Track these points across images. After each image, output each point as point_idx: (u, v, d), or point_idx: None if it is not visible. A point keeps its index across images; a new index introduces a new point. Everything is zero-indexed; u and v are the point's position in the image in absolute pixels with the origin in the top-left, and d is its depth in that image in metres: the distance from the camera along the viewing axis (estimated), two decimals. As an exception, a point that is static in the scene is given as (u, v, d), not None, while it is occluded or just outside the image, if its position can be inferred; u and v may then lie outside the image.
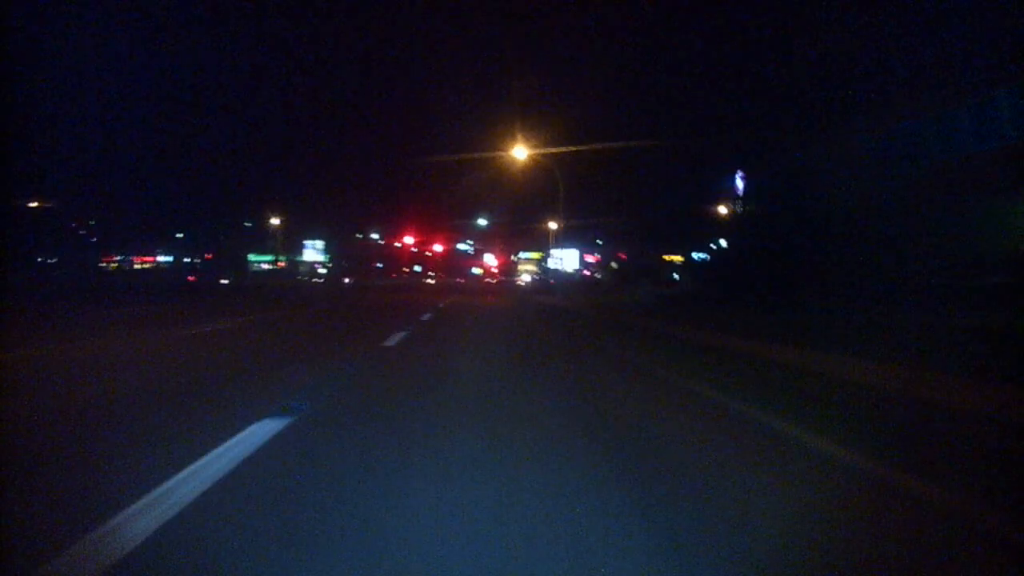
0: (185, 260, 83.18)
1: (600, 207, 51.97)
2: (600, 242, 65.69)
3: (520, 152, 25.30)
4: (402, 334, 9.58)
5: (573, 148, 25.18)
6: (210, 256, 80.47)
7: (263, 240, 72.04)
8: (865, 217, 15.10)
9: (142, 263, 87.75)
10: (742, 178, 22.09)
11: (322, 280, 64.52)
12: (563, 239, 62.13)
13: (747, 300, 16.63)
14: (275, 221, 59.78)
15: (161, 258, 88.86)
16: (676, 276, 34.98)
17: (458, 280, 71.22)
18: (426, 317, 14.26)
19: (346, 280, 61.10)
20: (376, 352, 7.62)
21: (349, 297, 27.33)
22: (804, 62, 17.66)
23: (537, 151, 24.48)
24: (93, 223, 77.21)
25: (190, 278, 57.28)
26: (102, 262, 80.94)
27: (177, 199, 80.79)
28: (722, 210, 45.25)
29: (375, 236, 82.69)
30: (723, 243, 25.16)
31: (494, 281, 69.43)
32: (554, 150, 24.65)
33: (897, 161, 15.40)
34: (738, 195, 22.21)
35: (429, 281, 72.70)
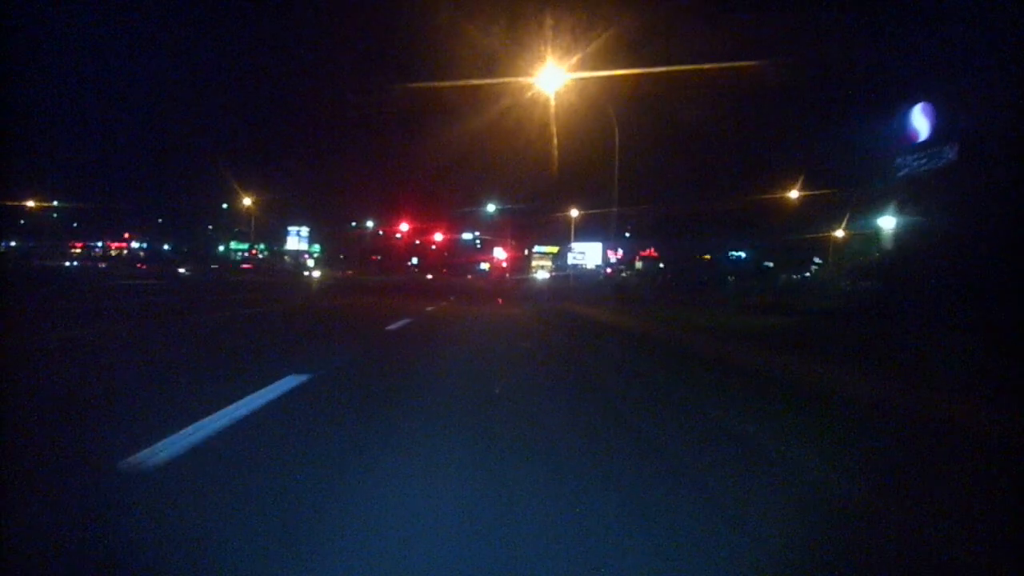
0: (164, 247, 75.87)
1: (642, 187, 42.13)
2: (628, 235, 56.61)
3: (550, 79, 16.20)
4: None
5: (632, 71, 16.13)
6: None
7: (237, 224, 63.03)
8: None
9: (115, 249, 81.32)
10: (927, 113, 13.13)
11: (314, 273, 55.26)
12: (583, 232, 53.06)
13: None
14: (248, 201, 49.72)
15: (136, 244, 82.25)
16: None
17: (463, 278, 61.87)
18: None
19: (309, 272, 52.08)
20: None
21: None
22: None
23: (579, 74, 15.53)
24: (56, 204, 68.80)
25: (140, 265, 50.45)
26: (75, 248, 74.05)
27: (148, 179, 72.53)
28: (792, 195, 36.12)
29: (370, 224, 73.42)
30: (883, 223, 16.31)
31: (506, 279, 59.24)
32: (604, 73, 15.67)
33: None
34: (917, 142, 13.25)
35: (428, 277, 63.49)
